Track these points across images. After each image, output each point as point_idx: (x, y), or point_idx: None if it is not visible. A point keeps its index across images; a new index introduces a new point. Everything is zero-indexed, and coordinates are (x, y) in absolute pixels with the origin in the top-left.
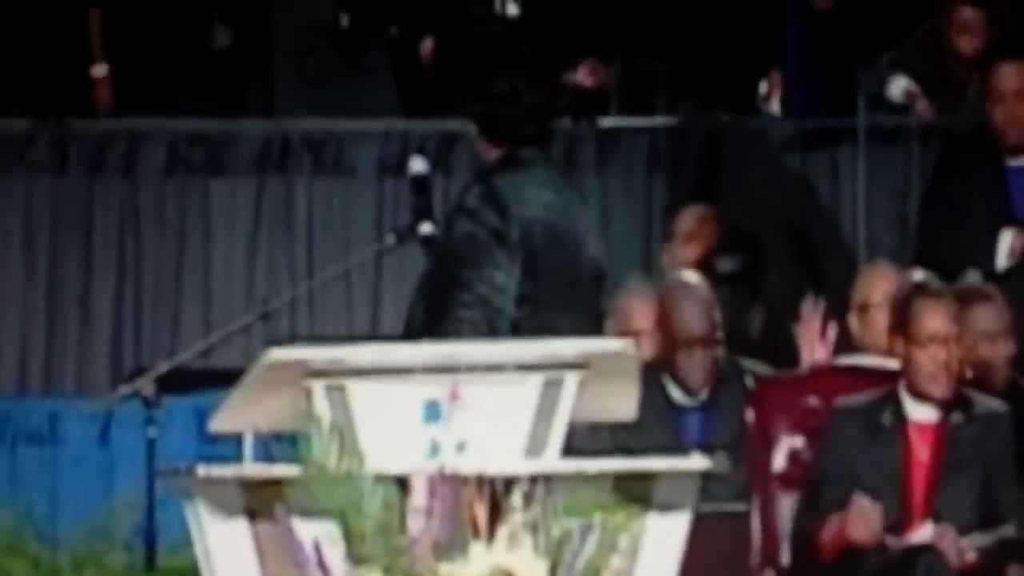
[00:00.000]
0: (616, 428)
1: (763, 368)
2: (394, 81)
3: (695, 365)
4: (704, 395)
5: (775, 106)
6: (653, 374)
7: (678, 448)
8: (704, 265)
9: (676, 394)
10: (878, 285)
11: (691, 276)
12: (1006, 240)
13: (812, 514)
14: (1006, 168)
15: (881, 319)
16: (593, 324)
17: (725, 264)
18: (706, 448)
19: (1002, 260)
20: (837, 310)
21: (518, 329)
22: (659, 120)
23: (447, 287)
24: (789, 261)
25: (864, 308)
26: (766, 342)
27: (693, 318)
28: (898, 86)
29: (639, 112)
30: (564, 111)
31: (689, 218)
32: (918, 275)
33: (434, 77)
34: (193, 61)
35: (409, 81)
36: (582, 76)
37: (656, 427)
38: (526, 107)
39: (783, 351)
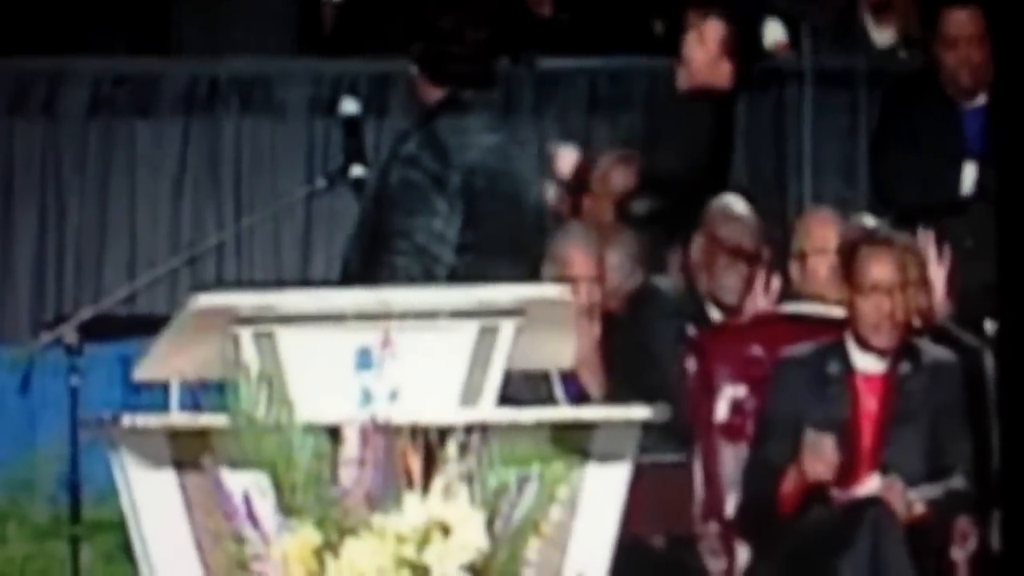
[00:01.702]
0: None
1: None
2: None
3: (733, 275)
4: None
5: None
6: (695, 301)
7: None
8: (620, 208)
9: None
10: (818, 232)
11: (737, 202)
12: (969, 172)
13: (765, 469)
14: (959, 109)
15: (821, 266)
16: (535, 271)
17: (639, 206)
18: None
19: (966, 190)
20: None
21: (456, 277)
22: (598, 62)
23: (384, 234)
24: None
25: (803, 256)
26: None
27: (735, 232)
28: (772, 32)
29: (577, 52)
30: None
31: (603, 164)
32: (868, 221)
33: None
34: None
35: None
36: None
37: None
38: (470, 45)
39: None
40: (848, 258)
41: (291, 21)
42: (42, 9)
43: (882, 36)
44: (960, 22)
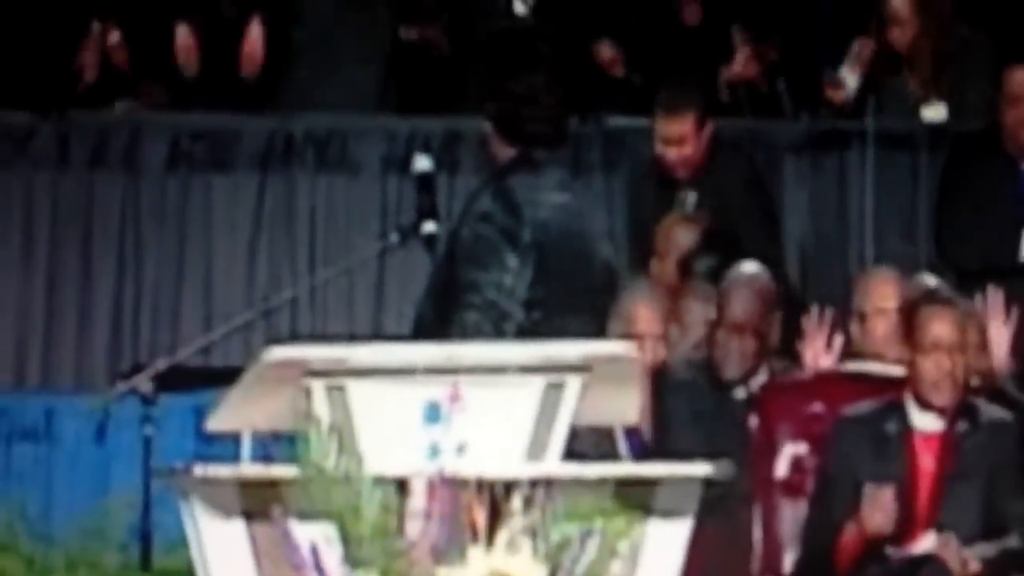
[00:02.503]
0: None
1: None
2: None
3: (735, 350)
4: (755, 388)
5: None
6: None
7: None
8: (683, 267)
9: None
10: (878, 291)
11: (750, 266)
12: None
13: (824, 526)
14: (1021, 169)
15: (881, 326)
16: (602, 328)
17: (702, 264)
18: None
19: None
20: (840, 316)
21: (524, 332)
22: None
23: (455, 289)
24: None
25: (864, 315)
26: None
27: (737, 306)
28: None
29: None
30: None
31: (667, 222)
32: (930, 281)
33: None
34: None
35: (416, 78)
36: None
37: (728, 434)
38: (544, 107)
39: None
40: (909, 317)
41: (373, 79)
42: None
43: (934, 112)
44: (1021, 81)
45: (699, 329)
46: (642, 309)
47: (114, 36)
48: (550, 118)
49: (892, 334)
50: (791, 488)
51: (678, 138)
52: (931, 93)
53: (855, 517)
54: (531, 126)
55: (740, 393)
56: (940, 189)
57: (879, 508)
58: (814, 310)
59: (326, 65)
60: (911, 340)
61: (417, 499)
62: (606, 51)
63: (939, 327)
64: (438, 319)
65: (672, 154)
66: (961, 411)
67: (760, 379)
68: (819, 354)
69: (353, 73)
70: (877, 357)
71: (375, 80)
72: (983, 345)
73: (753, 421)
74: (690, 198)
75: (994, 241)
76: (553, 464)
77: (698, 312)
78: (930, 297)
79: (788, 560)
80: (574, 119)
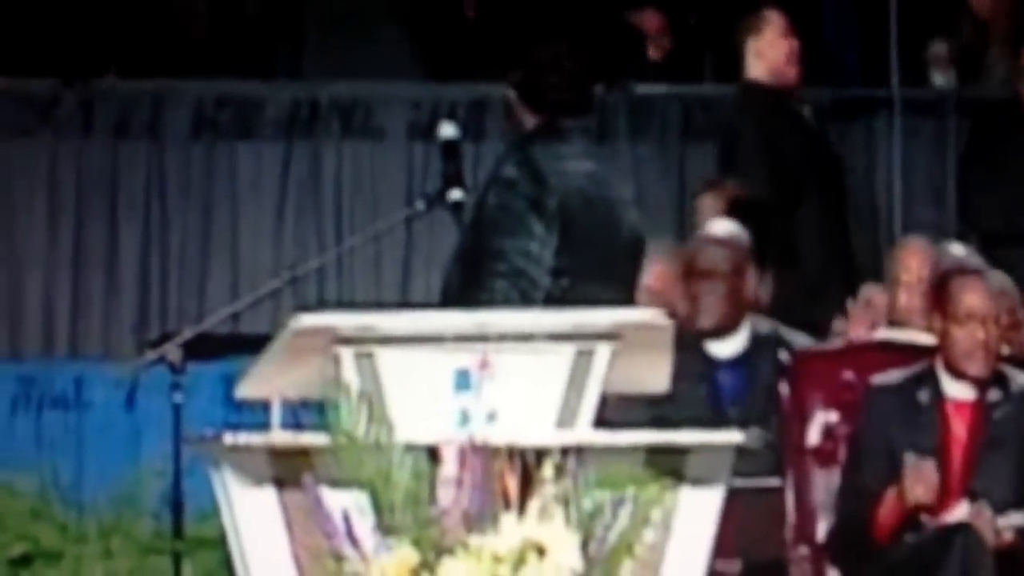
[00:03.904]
0: (653, 399)
1: (804, 340)
2: (422, 45)
3: (700, 298)
4: (737, 346)
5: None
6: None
7: (715, 414)
8: None
9: (710, 346)
10: (909, 261)
11: (722, 223)
12: None
13: (857, 495)
14: None
15: (913, 295)
16: (631, 295)
17: None
18: (740, 406)
19: None
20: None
21: (552, 300)
22: (691, 89)
23: (482, 257)
24: (808, 228)
25: (896, 284)
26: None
27: (704, 253)
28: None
29: (675, 79)
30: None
31: (693, 190)
32: (957, 250)
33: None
34: (226, 27)
35: (440, 45)
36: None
37: (691, 393)
38: (569, 75)
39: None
40: (940, 287)
41: (402, 47)
42: (148, 34)
43: (944, 79)
44: None
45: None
46: (657, 265)
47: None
48: (574, 85)
49: (924, 303)
50: (823, 456)
51: None
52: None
53: (895, 488)
54: (555, 94)
55: (720, 350)
56: (964, 156)
57: (921, 480)
58: (863, 292)
59: (353, 31)
60: (943, 310)
61: (448, 466)
62: (651, 19)
63: (972, 297)
64: (465, 286)
65: None
66: (993, 380)
67: (741, 337)
68: (858, 321)
69: (379, 40)
70: (909, 325)
71: (401, 47)
72: (1015, 324)
73: (784, 388)
74: None
75: (1016, 206)
76: (584, 432)
77: None
78: (962, 267)
79: (821, 528)
80: (600, 87)
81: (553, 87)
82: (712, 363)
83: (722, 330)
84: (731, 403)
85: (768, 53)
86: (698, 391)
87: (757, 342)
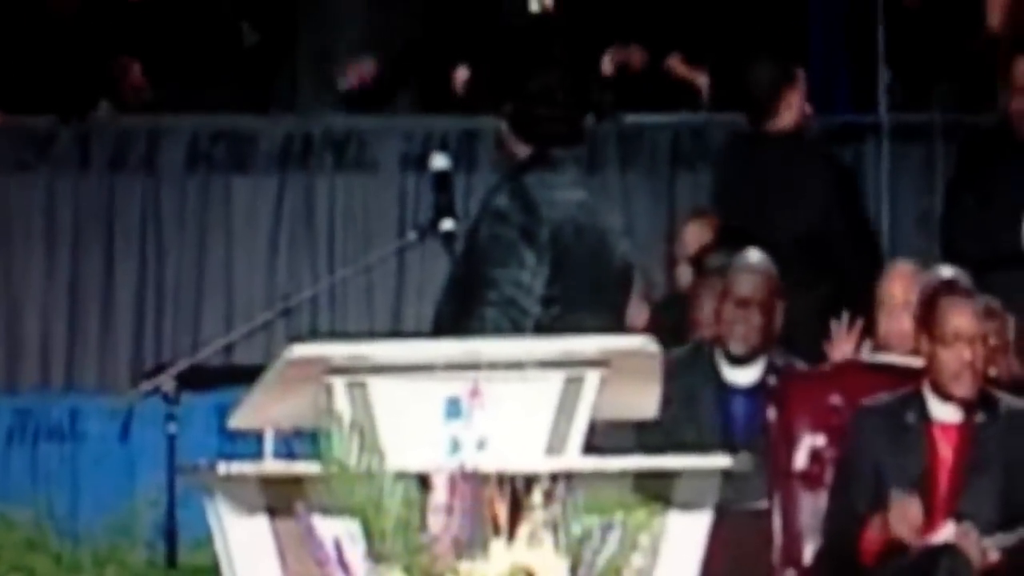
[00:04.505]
0: (670, 422)
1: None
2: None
3: (737, 324)
4: (753, 375)
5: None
6: (705, 356)
7: (726, 441)
8: (698, 264)
9: (727, 372)
10: (897, 283)
11: (754, 252)
12: None
13: (845, 518)
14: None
15: (896, 319)
16: (620, 323)
17: (715, 260)
18: (751, 434)
19: None
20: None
21: (542, 329)
22: (682, 117)
23: (473, 286)
24: (793, 258)
25: (884, 307)
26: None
27: (742, 282)
28: None
29: (663, 108)
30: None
31: (679, 220)
32: (946, 272)
33: (465, 92)
34: (221, 61)
35: (433, 79)
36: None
37: (705, 418)
38: (561, 107)
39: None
40: (928, 308)
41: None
42: (151, 70)
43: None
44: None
45: (712, 326)
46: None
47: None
48: (566, 117)
49: (912, 326)
50: (810, 479)
51: None
52: None
53: (880, 518)
54: (547, 125)
55: (737, 378)
56: (950, 181)
57: (905, 517)
58: (844, 316)
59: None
60: (930, 331)
61: (439, 494)
62: (635, 55)
63: (959, 318)
64: (457, 315)
65: None
66: (980, 402)
67: (758, 367)
68: (841, 343)
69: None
70: (897, 348)
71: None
72: (1005, 347)
73: (772, 413)
74: None
75: (997, 230)
76: (573, 458)
77: (711, 308)
78: (949, 288)
79: (808, 551)
80: (590, 116)
81: (545, 119)
82: (727, 389)
83: (749, 358)
84: (743, 431)
85: (797, 105)
86: (711, 417)
87: (771, 371)
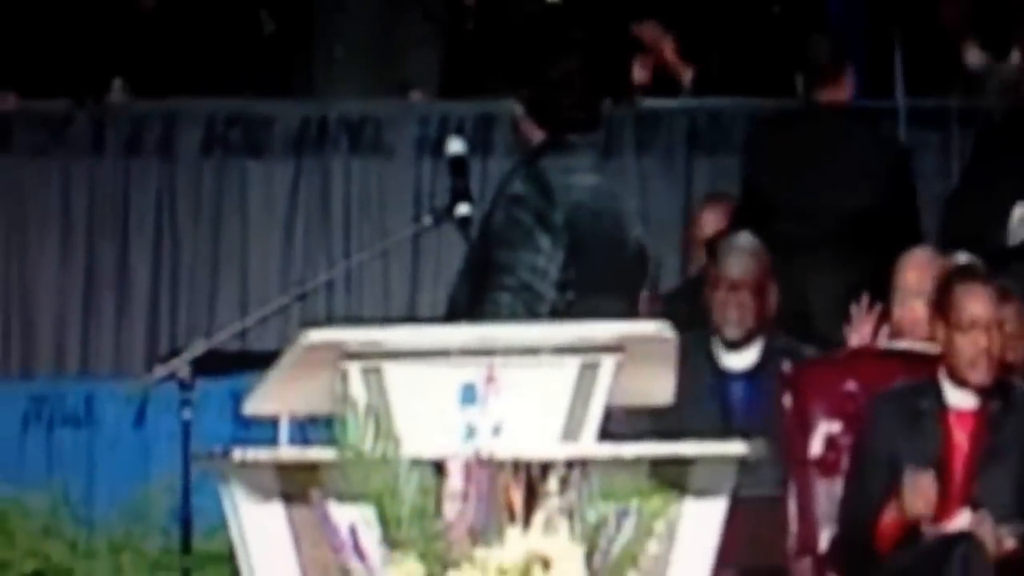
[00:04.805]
0: (667, 408)
1: (814, 353)
2: (437, 61)
3: (729, 307)
4: (750, 359)
5: None
6: (702, 343)
7: (725, 426)
8: (712, 249)
9: (723, 357)
10: (912, 270)
11: (746, 235)
12: (1017, 212)
13: (860, 504)
14: None
15: (917, 304)
16: (635, 308)
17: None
18: (750, 419)
19: (1012, 233)
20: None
21: (557, 314)
22: (697, 102)
23: (489, 270)
24: (837, 233)
25: (898, 293)
26: (787, 320)
27: (732, 265)
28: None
29: (677, 93)
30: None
31: (696, 206)
32: (961, 258)
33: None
34: (240, 49)
35: (452, 60)
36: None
37: (701, 403)
38: (578, 93)
39: (802, 329)
40: (943, 295)
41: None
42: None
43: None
44: None
45: None
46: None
47: None
48: (584, 103)
49: (926, 314)
50: (826, 466)
51: None
52: None
53: (895, 501)
54: (567, 112)
55: (734, 363)
56: (961, 173)
57: (919, 493)
58: (864, 299)
59: (363, 50)
60: (946, 318)
61: (454, 480)
62: (650, 31)
63: (975, 305)
64: (472, 301)
65: None
66: (995, 389)
67: (755, 350)
68: (864, 341)
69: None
70: (914, 335)
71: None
72: (1021, 333)
73: (787, 399)
74: None
75: (989, 224)
76: (589, 444)
77: None
78: (964, 274)
79: (824, 538)
80: (607, 101)
81: (565, 106)
82: (724, 375)
83: (740, 343)
84: (742, 416)
85: (851, 82)
86: (708, 403)
87: (770, 355)
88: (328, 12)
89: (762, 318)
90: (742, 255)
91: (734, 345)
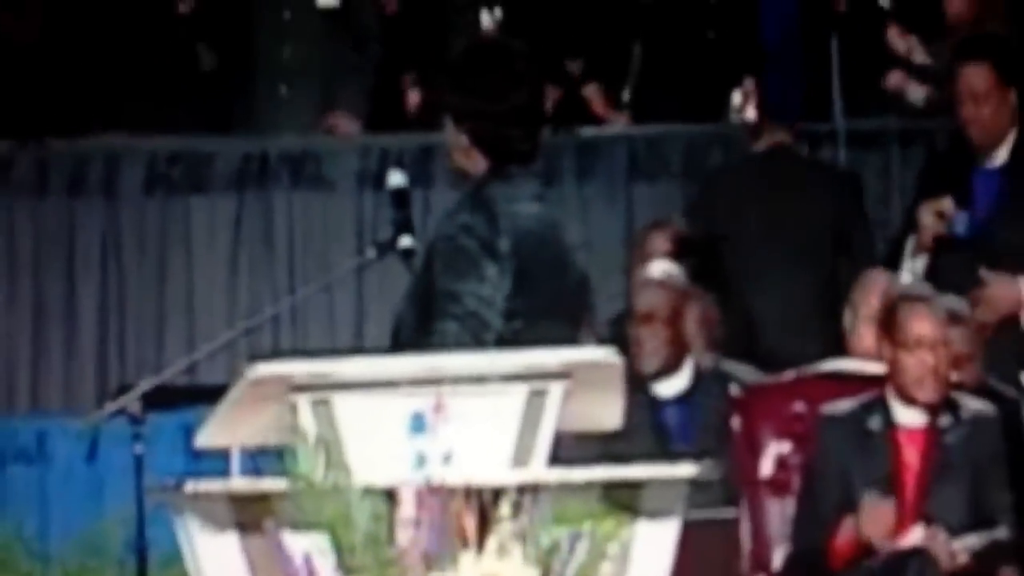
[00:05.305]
0: (605, 436)
1: (748, 372)
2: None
3: (642, 341)
4: (680, 384)
5: (750, 114)
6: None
7: (664, 452)
8: None
9: (654, 385)
10: (871, 291)
11: (658, 265)
12: (961, 219)
13: (813, 523)
14: (972, 173)
15: (869, 326)
16: (579, 335)
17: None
18: (686, 443)
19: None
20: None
21: (504, 342)
22: (636, 130)
23: (434, 300)
24: (760, 263)
25: (856, 311)
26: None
27: (641, 298)
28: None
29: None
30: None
31: (640, 232)
32: (906, 278)
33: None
34: (180, 84)
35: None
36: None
37: (638, 432)
38: (526, 125)
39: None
40: (890, 314)
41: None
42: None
43: (917, 94)
44: (971, 77)
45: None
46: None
47: None
48: (531, 135)
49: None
50: (777, 486)
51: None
52: None
53: (851, 518)
54: (515, 143)
55: (664, 390)
56: (911, 202)
57: (877, 519)
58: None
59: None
60: (892, 337)
61: (407, 507)
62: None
63: (920, 324)
64: (417, 328)
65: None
66: (943, 406)
67: (685, 375)
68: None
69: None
70: (864, 355)
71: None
72: (970, 354)
73: (736, 422)
74: None
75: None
76: (539, 469)
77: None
78: (909, 294)
79: (777, 557)
80: (546, 130)
81: (514, 138)
82: (657, 402)
83: (664, 372)
84: (678, 440)
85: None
86: (645, 430)
87: (700, 378)
88: (269, 45)
89: (679, 346)
90: (651, 287)
91: (658, 374)
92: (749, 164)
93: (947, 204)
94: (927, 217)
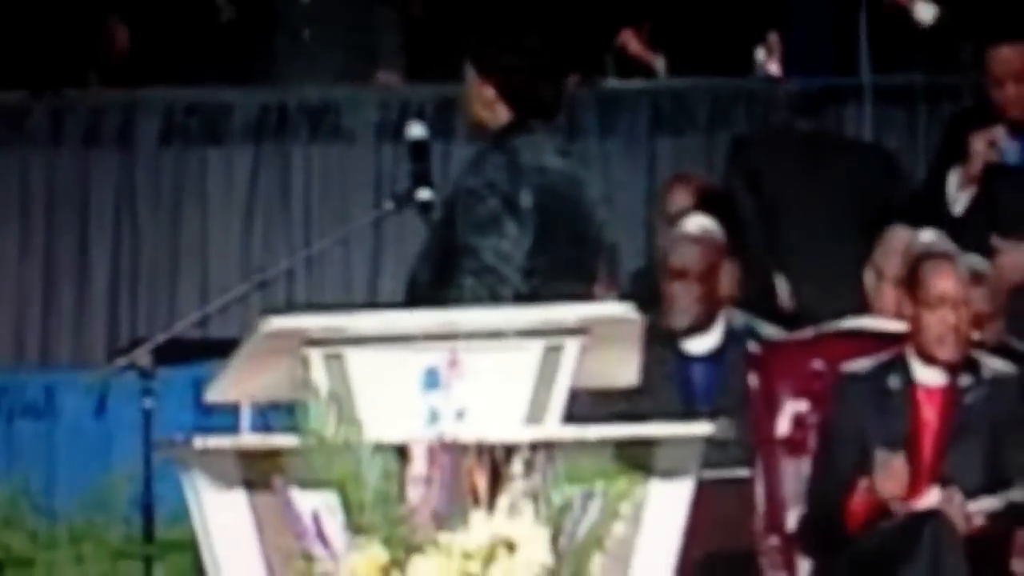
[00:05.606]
0: (623, 392)
1: (778, 332)
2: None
3: (675, 297)
4: (711, 342)
5: (774, 69)
6: (664, 326)
7: (687, 410)
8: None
9: (684, 342)
10: (893, 249)
11: (695, 220)
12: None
13: (828, 483)
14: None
15: (892, 284)
16: (595, 294)
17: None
18: (712, 402)
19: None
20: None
21: (522, 299)
22: (661, 83)
23: (453, 254)
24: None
25: (879, 271)
26: (750, 299)
27: (676, 254)
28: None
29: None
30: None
31: (662, 185)
32: (927, 236)
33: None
34: (200, 36)
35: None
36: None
37: (663, 389)
38: (554, 77)
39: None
40: (912, 272)
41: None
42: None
43: (925, 12)
44: (1007, 58)
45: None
46: None
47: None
48: (557, 87)
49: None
50: (793, 446)
51: None
52: None
53: (865, 480)
54: (544, 98)
55: (694, 347)
56: (932, 160)
57: (891, 476)
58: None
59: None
60: (914, 295)
61: (418, 465)
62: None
63: (942, 282)
64: (434, 283)
65: None
66: (964, 365)
67: (716, 333)
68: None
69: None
70: (884, 313)
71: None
72: (992, 313)
73: (753, 379)
74: None
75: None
76: (553, 427)
77: None
78: (931, 252)
79: (792, 518)
80: (570, 83)
81: (544, 92)
82: (686, 359)
83: (696, 329)
84: (704, 399)
85: None
86: (671, 387)
87: (731, 337)
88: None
89: (711, 305)
90: (686, 243)
91: (687, 332)
92: (789, 133)
93: (1000, 132)
94: (979, 145)
